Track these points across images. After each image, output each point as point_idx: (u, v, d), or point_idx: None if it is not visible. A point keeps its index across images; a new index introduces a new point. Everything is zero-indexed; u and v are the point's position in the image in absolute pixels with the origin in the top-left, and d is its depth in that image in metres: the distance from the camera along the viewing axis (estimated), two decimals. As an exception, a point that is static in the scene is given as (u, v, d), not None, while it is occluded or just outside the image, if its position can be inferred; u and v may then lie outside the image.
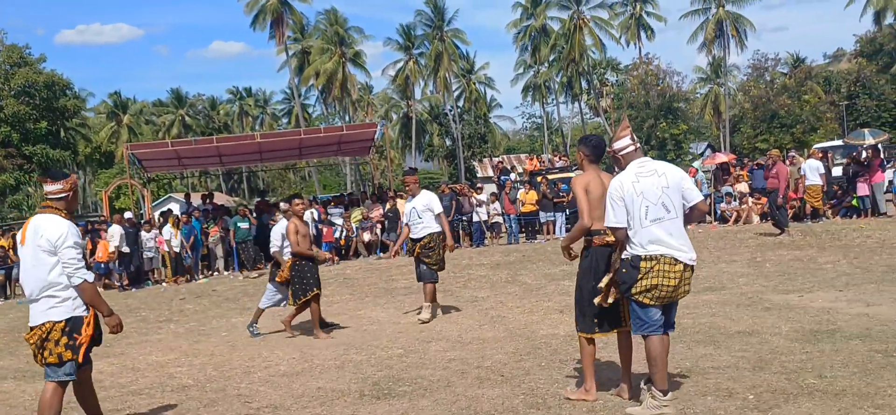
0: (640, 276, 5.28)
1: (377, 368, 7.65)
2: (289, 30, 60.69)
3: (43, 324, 5.31)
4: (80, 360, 5.42)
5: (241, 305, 13.58)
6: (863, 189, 19.09)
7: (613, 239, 5.57)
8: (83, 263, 5.37)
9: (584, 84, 65.22)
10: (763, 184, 20.30)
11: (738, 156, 29.06)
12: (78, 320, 5.36)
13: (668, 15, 67.57)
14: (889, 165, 23.60)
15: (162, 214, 24.43)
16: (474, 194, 22.96)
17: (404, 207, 10.88)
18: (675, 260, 5.25)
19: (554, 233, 22.09)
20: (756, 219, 20.70)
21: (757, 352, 6.89)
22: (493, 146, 68.72)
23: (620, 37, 64.26)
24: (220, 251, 20.82)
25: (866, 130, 23.22)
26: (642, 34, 64.57)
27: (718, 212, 21.99)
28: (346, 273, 17.66)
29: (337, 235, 21.79)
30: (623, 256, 5.41)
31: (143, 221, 21.53)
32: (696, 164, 33.17)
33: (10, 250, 19.13)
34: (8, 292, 19.38)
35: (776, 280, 11.16)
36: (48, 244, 5.28)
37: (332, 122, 63.34)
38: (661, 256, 5.25)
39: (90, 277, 5.41)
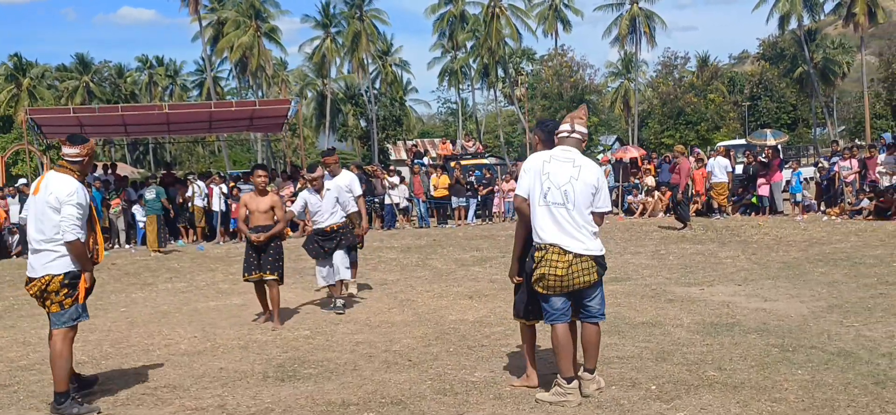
0: (534, 265, 5.40)
1: (282, 349, 7.50)
2: (205, -1, 59.11)
3: (42, 276, 5.65)
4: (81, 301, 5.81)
5: (142, 280, 13.16)
6: (763, 188, 19.80)
7: None
8: (79, 223, 5.64)
9: (499, 72, 65.63)
10: (668, 178, 20.87)
11: (647, 150, 29.74)
12: (76, 274, 5.70)
13: (584, 9, 68.57)
14: (787, 166, 24.59)
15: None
16: (386, 177, 22.84)
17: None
18: (563, 250, 5.29)
19: (465, 219, 22.19)
20: (661, 212, 21.25)
21: (660, 343, 7.03)
22: (408, 130, 68.55)
23: (537, 27, 64.92)
24: (121, 224, 20.12)
25: (768, 131, 24.06)
26: (559, 26, 65.35)
27: (626, 204, 22.49)
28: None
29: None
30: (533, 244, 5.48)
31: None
32: (605, 155, 33.86)
33: None
34: None
35: (679, 273, 11.46)
36: (56, 201, 5.62)
37: (245, 96, 61.99)
38: (550, 245, 5.33)
39: (82, 236, 5.68)
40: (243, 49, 58.08)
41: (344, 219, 9.49)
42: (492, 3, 60.48)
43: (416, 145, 35.62)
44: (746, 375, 5.92)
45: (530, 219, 5.48)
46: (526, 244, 5.64)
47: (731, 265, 11.99)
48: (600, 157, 25.40)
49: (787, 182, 21.52)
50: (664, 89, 60.46)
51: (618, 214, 22.01)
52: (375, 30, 63.41)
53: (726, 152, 22.00)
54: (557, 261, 5.29)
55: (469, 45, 65.21)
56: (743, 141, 32.04)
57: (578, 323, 5.64)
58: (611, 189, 23.38)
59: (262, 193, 8.77)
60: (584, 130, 5.57)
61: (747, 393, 5.47)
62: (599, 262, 5.44)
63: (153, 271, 14.47)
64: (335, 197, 9.37)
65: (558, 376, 5.45)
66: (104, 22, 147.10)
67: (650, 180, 22.54)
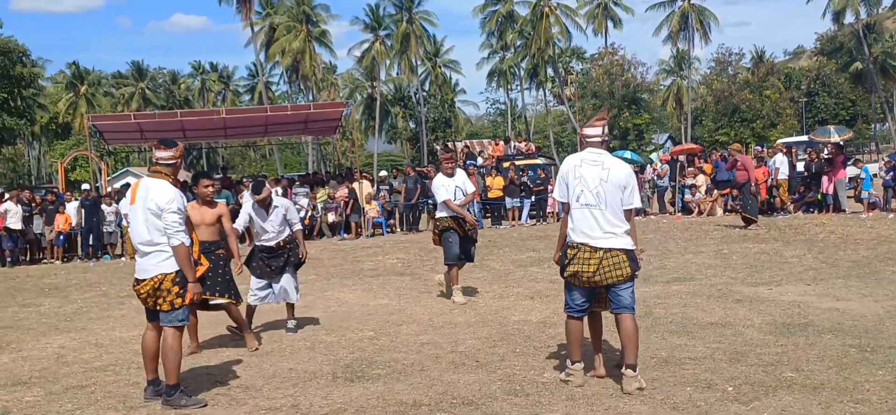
0: (567, 261, 5.76)
1: (349, 350, 7.53)
2: (257, 1, 59.89)
3: (154, 276, 5.86)
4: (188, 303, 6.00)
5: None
6: (826, 185, 19.35)
7: None
8: (182, 228, 5.85)
9: (549, 72, 65.32)
10: (726, 176, 20.50)
11: (703, 148, 29.29)
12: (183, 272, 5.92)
13: (634, 6, 67.84)
14: (849, 163, 23.97)
15: (122, 187, 23.96)
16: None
17: (444, 184, 10.13)
18: (594, 248, 5.60)
19: (519, 219, 22.10)
20: (719, 211, 20.90)
21: (732, 344, 6.90)
22: (456, 131, 68.63)
23: (587, 26, 64.46)
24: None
25: (831, 127, 23.44)
26: (609, 24, 64.79)
27: (682, 203, 22.17)
28: (311, 254, 17.40)
29: (302, 214, 21.53)
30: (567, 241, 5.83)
31: (102, 195, 21.07)
32: (654, 156, 33.42)
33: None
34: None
35: (744, 272, 11.24)
36: (156, 207, 5.80)
37: (295, 101, 62.63)
38: (581, 244, 5.66)
39: (187, 241, 5.88)
40: (294, 54, 58.70)
41: (290, 236, 8.71)
42: (540, 3, 60.21)
43: (467, 146, 35.50)
44: (825, 376, 5.78)
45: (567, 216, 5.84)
46: None
47: (798, 264, 11.73)
48: (656, 155, 25.08)
49: (851, 179, 20.96)
50: (718, 86, 59.61)
51: (675, 213, 21.70)
52: (424, 31, 63.61)
53: (787, 150, 21.51)
54: (589, 258, 5.61)
55: (518, 44, 65.04)
56: (804, 138, 31.37)
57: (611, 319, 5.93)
58: (665, 189, 23.09)
59: (210, 204, 8.11)
60: (606, 131, 5.97)
61: (828, 394, 5.34)
62: (631, 257, 5.67)
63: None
64: (283, 214, 8.62)
65: (568, 358, 5.95)
66: (157, 29, 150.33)
67: (700, 180, 22.16)
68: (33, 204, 19.82)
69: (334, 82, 70.55)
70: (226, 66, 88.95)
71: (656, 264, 12.41)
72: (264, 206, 8.48)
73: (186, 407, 5.82)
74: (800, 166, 22.07)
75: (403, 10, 61.51)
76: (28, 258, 19.78)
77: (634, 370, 5.66)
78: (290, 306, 8.82)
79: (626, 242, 5.65)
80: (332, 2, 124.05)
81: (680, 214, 21.58)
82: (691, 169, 22.85)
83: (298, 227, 8.89)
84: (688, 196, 22.07)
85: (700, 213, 21.18)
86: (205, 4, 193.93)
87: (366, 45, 63.76)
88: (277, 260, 8.61)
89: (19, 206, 19.03)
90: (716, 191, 21.42)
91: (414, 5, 61.66)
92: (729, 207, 20.48)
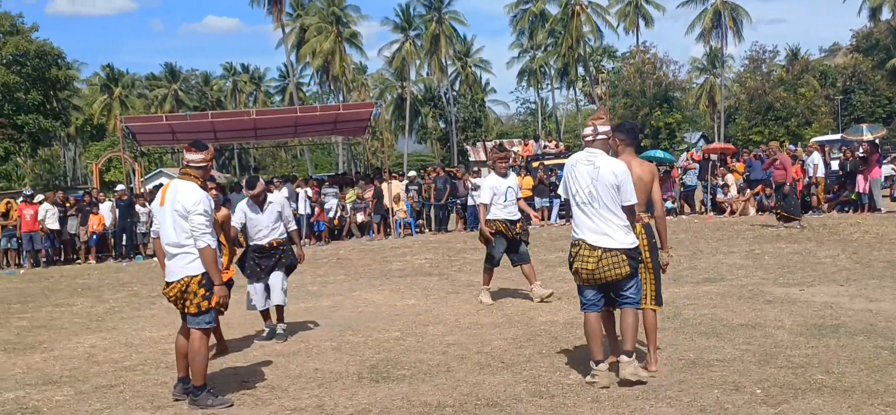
0: (570, 258, 5.96)
1: (375, 350, 7.54)
2: (288, 2, 60.31)
3: (181, 279, 5.90)
4: (217, 307, 6.06)
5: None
6: (860, 184, 19.05)
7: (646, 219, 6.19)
8: (209, 230, 5.87)
9: (580, 70, 64.99)
10: (760, 175, 20.26)
11: (737, 148, 28.91)
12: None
13: (666, 4, 67.09)
14: (885, 161, 23.58)
15: (154, 188, 24.22)
16: (469, 178, 22.84)
17: (494, 184, 9.82)
18: (592, 246, 5.76)
19: (549, 219, 22.02)
20: (752, 211, 20.66)
21: (761, 345, 6.80)
22: (487, 130, 68.53)
23: (618, 24, 64.03)
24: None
25: (864, 126, 23.08)
26: (641, 22, 64.31)
27: (714, 202, 21.94)
28: (340, 254, 17.54)
29: (331, 215, 21.65)
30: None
31: (135, 195, 21.32)
32: (692, 151, 33.10)
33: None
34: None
35: (776, 273, 11.08)
36: (183, 210, 5.83)
37: (325, 101, 62.96)
38: (580, 241, 5.85)
39: (213, 243, 5.90)
40: (325, 55, 59.01)
41: (285, 236, 8.55)
42: (571, 1, 59.92)
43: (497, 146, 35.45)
44: (856, 378, 5.67)
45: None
46: None
47: (832, 265, 11.54)
48: (686, 154, 24.81)
49: (887, 178, 20.61)
50: (752, 84, 58.90)
51: (707, 213, 21.48)
52: (454, 31, 63.61)
53: (821, 149, 21.21)
54: (588, 256, 5.77)
55: (548, 43, 64.78)
56: (837, 136, 30.90)
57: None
58: (693, 187, 22.85)
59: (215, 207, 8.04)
60: (607, 129, 5.94)
61: (858, 397, 5.24)
62: (631, 255, 5.77)
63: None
64: (278, 211, 8.46)
65: (590, 360, 5.93)
66: (189, 31, 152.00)
67: (730, 179, 21.91)
68: (67, 205, 20.10)
69: (365, 83, 70.79)
70: (257, 67, 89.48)
71: (686, 265, 12.28)
72: (258, 202, 8.33)
73: (212, 407, 5.87)
74: (834, 165, 21.76)
75: (433, 9, 61.53)
76: (62, 259, 20.08)
77: (629, 356, 5.81)
78: (279, 309, 8.49)
79: (625, 242, 5.74)
80: (363, 2, 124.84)
81: (712, 213, 21.35)
82: (722, 168, 22.60)
83: (293, 226, 8.68)
84: (720, 196, 21.84)
85: (732, 212, 20.95)
86: (237, 6, 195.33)
87: (396, 46, 63.93)
88: (268, 260, 8.42)
89: (56, 206, 19.32)
90: (748, 190, 21.18)
91: (443, 5, 61.66)
92: (765, 207, 20.23)
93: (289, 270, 8.65)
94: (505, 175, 9.98)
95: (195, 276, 5.89)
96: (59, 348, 8.51)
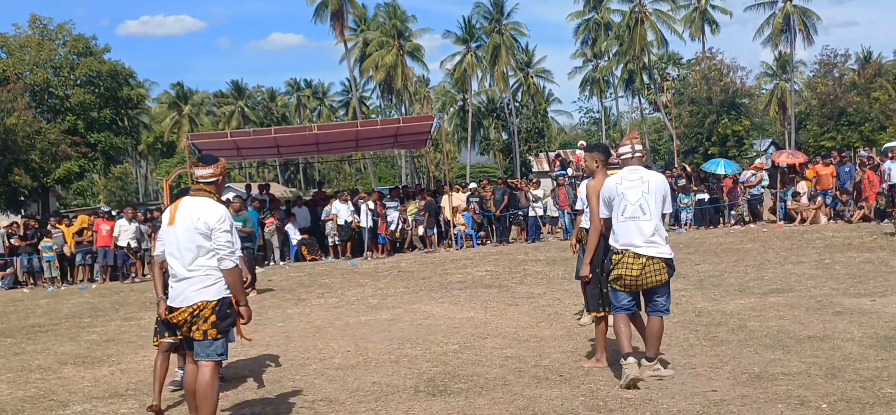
0: (612, 267, 6.35)
1: (433, 363, 7.53)
2: (351, 17, 61.09)
3: (194, 304, 5.35)
4: (235, 338, 5.69)
5: (296, 296, 13.60)
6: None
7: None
8: (234, 248, 5.44)
9: (644, 79, 64.17)
10: (847, 181, 19.80)
11: (809, 156, 28.09)
12: (227, 301, 5.44)
13: (733, 8, 65.61)
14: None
15: (225, 201, 24.68)
16: (530, 189, 22.73)
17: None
18: (637, 255, 6.18)
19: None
20: (823, 219, 20.08)
21: (829, 358, 6.58)
22: (549, 140, 68.16)
23: (683, 31, 63.00)
24: (275, 242, 20.95)
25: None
26: (707, 28, 63.17)
27: (784, 211, 21.39)
28: (401, 266, 17.61)
29: (393, 227, 21.77)
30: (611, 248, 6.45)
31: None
32: (759, 161, 32.34)
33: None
34: (69, 278, 19.78)
35: (847, 283, 10.73)
36: (205, 227, 5.35)
37: (388, 115, 63.48)
38: (626, 250, 6.23)
39: (239, 264, 5.51)
40: (387, 68, 59.51)
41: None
42: (635, 9, 59.26)
43: (560, 156, 35.16)
44: (930, 394, 5.44)
45: (609, 232, 6.45)
46: (597, 251, 6.69)
47: (905, 274, 11.13)
48: (749, 170, 24.24)
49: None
50: (823, 89, 57.29)
51: (777, 222, 20.96)
52: (515, 42, 63.49)
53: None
54: (633, 263, 6.19)
55: (612, 52, 64.17)
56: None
57: (645, 316, 6.50)
58: (758, 197, 22.32)
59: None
60: (641, 147, 6.54)
61: (933, 414, 5.02)
62: (669, 264, 6.27)
63: (306, 287, 14.96)
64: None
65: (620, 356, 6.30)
66: (255, 49, 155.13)
67: (802, 186, 21.31)
68: (140, 220, 20.58)
69: (427, 95, 71.14)
70: (321, 82, 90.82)
71: (753, 275, 12.00)
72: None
73: None
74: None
75: (493, 20, 61.54)
76: (136, 274, 20.58)
77: (651, 361, 6.36)
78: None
79: (666, 251, 6.24)
80: (425, 16, 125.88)
81: (782, 222, 20.82)
82: (793, 176, 22.05)
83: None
84: (791, 203, 21.28)
85: (802, 221, 20.39)
86: (301, 23, 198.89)
87: (458, 58, 64.09)
88: None
89: (133, 223, 19.68)
90: (819, 198, 20.61)
91: (503, 16, 61.63)
92: (841, 214, 19.67)
93: None
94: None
95: (211, 302, 5.35)
96: (126, 362, 8.72)
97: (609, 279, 6.41)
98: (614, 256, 6.31)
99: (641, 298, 6.45)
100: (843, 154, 23.90)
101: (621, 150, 6.53)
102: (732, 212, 22.30)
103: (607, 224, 6.47)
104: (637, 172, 6.37)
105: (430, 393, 6.44)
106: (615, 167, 6.56)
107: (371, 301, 12.39)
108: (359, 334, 9.42)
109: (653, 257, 6.17)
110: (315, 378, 7.27)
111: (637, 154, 6.46)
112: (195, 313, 5.35)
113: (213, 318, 5.35)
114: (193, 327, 5.37)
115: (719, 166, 25.24)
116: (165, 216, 5.70)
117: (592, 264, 6.75)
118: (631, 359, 6.18)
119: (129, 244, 19.29)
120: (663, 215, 6.37)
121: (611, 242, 6.41)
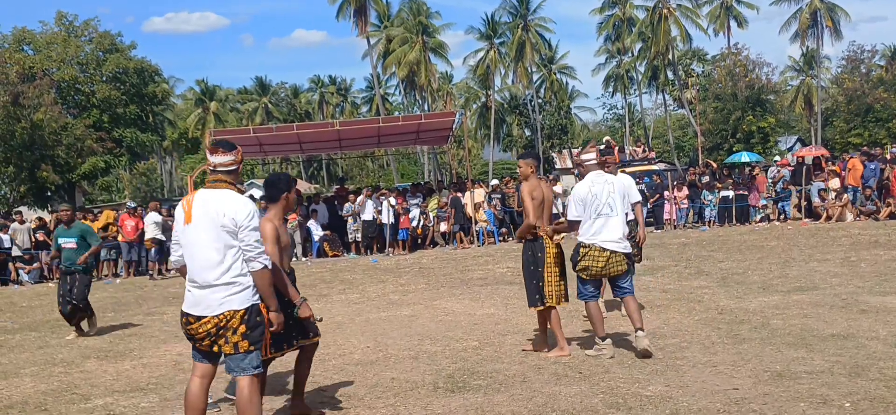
0: (579, 258, 7.21)
1: (452, 360, 7.52)
2: (374, 13, 61.17)
3: (220, 314, 4.74)
4: (266, 355, 5.23)
5: (317, 292, 13.64)
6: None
7: (547, 231, 7.46)
8: (263, 248, 4.85)
9: (669, 75, 63.68)
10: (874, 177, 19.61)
11: (831, 152, 27.77)
12: (255, 308, 4.84)
13: (759, 3, 64.75)
14: None
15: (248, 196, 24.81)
16: (550, 186, 22.65)
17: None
18: (603, 248, 7.10)
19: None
20: (850, 216, 19.84)
21: (853, 357, 6.50)
22: (573, 137, 67.88)
23: (708, 26, 62.38)
24: (298, 237, 21.04)
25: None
26: (732, 23, 62.51)
27: (809, 208, 21.17)
28: (422, 262, 17.62)
29: (414, 223, 21.79)
30: (577, 242, 7.28)
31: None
32: (783, 158, 32.04)
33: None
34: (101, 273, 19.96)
35: (872, 281, 10.59)
36: (232, 223, 4.71)
37: (411, 111, 63.47)
38: (592, 244, 7.13)
39: (270, 264, 4.90)
40: (410, 64, 59.48)
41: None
42: (659, 4, 58.80)
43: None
44: (957, 394, 5.35)
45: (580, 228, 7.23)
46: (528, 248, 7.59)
47: (933, 272, 10.97)
48: (778, 159, 23.99)
49: None
50: (850, 86, 56.57)
51: (802, 219, 20.73)
52: (540, 38, 63.24)
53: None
54: (599, 256, 7.12)
55: (636, 48, 63.73)
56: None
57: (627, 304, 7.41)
58: (783, 194, 22.08)
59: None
60: (593, 155, 7.43)
61: (959, 414, 4.94)
62: (629, 256, 7.24)
63: (328, 283, 15.01)
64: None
65: (595, 337, 7.31)
66: (279, 46, 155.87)
67: (835, 183, 21.08)
68: (164, 215, 20.70)
69: (450, 91, 71.05)
70: (344, 78, 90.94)
71: (777, 273, 11.88)
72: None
73: None
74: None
75: (519, 17, 61.32)
76: (159, 269, 20.72)
77: (642, 331, 7.07)
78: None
79: (626, 247, 7.18)
80: (449, 12, 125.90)
81: (808, 219, 20.60)
82: (820, 173, 21.81)
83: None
84: (816, 200, 21.04)
85: (828, 218, 20.16)
86: (324, 20, 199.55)
87: (481, 54, 63.92)
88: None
89: (160, 216, 19.66)
90: (845, 195, 20.37)
91: (529, 12, 61.37)
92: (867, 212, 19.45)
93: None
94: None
95: (239, 311, 4.74)
96: (147, 356, 8.78)
97: (575, 269, 7.24)
98: (581, 250, 7.19)
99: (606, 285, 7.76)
100: (874, 151, 23.59)
101: (584, 156, 7.47)
102: (759, 208, 22.07)
103: (574, 225, 7.23)
104: (602, 175, 7.29)
105: (449, 389, 6.43)
106: (569, 172, 6.93)
107: (392, 297, 12.41)
108: (379, 330, 9.43)
109: (616, 252, 7.10)
110: (334, 374, 7.28)
111: (602, 160, 7.54)
112: (221, 324, 4.75)
113: (242, 328, 4.75)
114: (219, 341, 4.79)
115: (743, 157, 25.04)
116: (179, 215, 4.99)
117: (526, 262, 7.55)
118: (606, 342, 7.19)
119: (154, 238, 19.38)
120: (634, 203, 8.15)
121: (579, 237, 7.21)
